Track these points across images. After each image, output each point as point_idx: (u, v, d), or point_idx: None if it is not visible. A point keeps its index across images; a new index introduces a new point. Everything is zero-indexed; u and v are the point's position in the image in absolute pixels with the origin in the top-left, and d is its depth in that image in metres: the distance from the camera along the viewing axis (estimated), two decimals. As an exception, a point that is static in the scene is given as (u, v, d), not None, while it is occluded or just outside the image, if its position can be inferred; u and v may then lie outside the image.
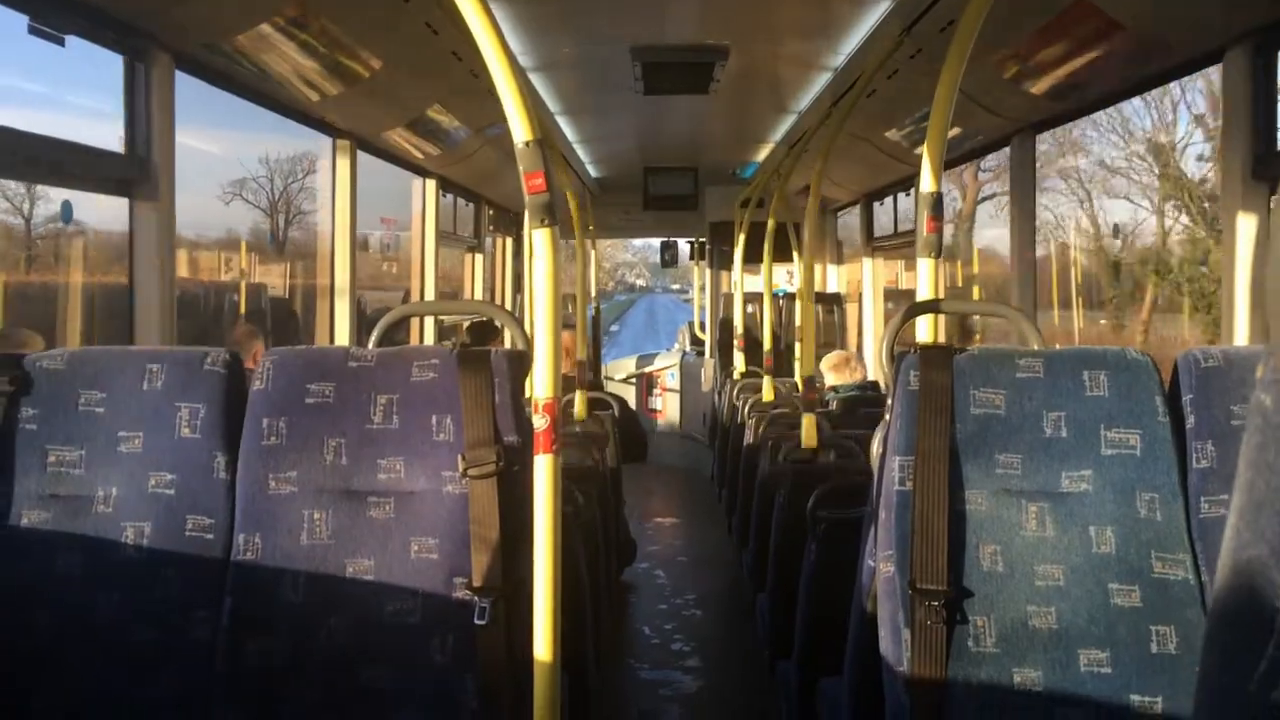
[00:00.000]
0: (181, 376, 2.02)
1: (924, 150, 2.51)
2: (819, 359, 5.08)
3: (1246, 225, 2.62)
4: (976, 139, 4.43)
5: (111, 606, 1.90)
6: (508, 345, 2.29)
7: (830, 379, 5.48)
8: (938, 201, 2.49)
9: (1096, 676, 1.82)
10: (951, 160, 4.84)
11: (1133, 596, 1.85)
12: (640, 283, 70.74)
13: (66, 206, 2.75)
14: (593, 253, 9.68)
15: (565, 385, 5.47)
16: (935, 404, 1.95)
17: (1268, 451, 0.42)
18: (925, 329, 2.60)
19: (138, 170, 2.68)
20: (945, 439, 1.93)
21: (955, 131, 4.30)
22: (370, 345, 2.17)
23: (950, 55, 2.45)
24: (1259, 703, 0.41)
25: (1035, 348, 2.18)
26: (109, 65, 2.63)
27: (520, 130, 1.78)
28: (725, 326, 8.34)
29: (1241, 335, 2.63)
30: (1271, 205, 2.60)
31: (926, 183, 2.51)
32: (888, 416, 2.04)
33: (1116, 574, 1.87)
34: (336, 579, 1.92)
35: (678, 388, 9.87)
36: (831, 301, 8.11)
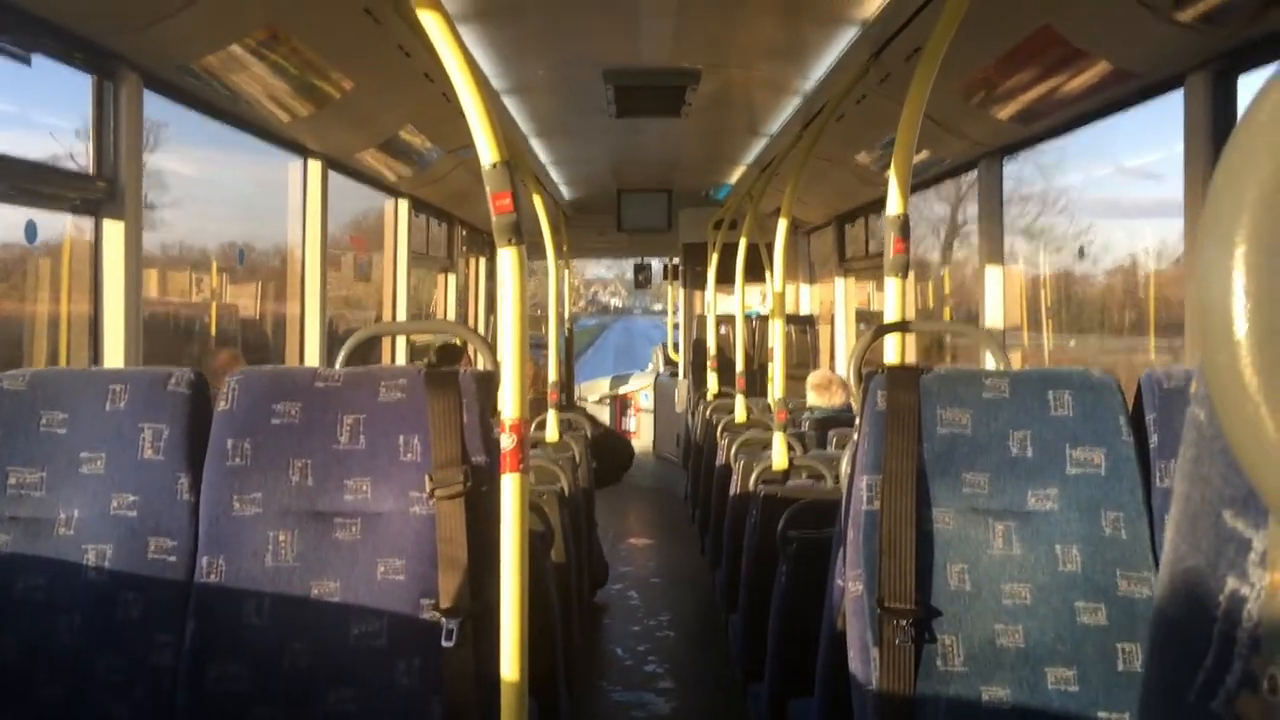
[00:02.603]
0: (145, 397, 2.00)
1: (890, 173, 2.54)
2: (791, 380, 5.11)
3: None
4: (944, 163, 4.48)
5: (73, 630, 1.88)
6: (478, 366, 2.29)
7: (811, 398, 5.49)
8: (904, 223, 2.52)
9: (1064, 694, 1.83)
10: (919, 183, 4.89)
11: (1099, 614, 1.87)
12: (616, 303, 62.56)
13: (31, 226, 2.72)
14: (566, 274, 9.70)
15: (539, 406, 5.47)
16: (902, 424, 1.96)
17: (1202, 465, 0.43)
18: (893, 349, 2.62)
19: (105, 190, 2.67)
20: (912, 459, 1.94)
21: (923, 155, 4.35)
22: (338, 365, 2.17)
23: (916, 80, 2.48)
24: (1199, 712, 0.41)
25: (1001, 368, 2.20)
26: (77, 85, 2.62)
27: (487, 152, 1.79)
28: (698, 347, 8.37)
29: None
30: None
31: (894, 205, 2.54)
32: (856, 436, 2.05)
33: (1082, 592, 1.88)
34: (301, 601, 1.90)
35: (651, 408, 9.88)
36: (804, 322, 8.15)
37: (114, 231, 2.70)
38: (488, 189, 1.78)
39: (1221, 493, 0.41)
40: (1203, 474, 0.42)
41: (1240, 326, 0.35)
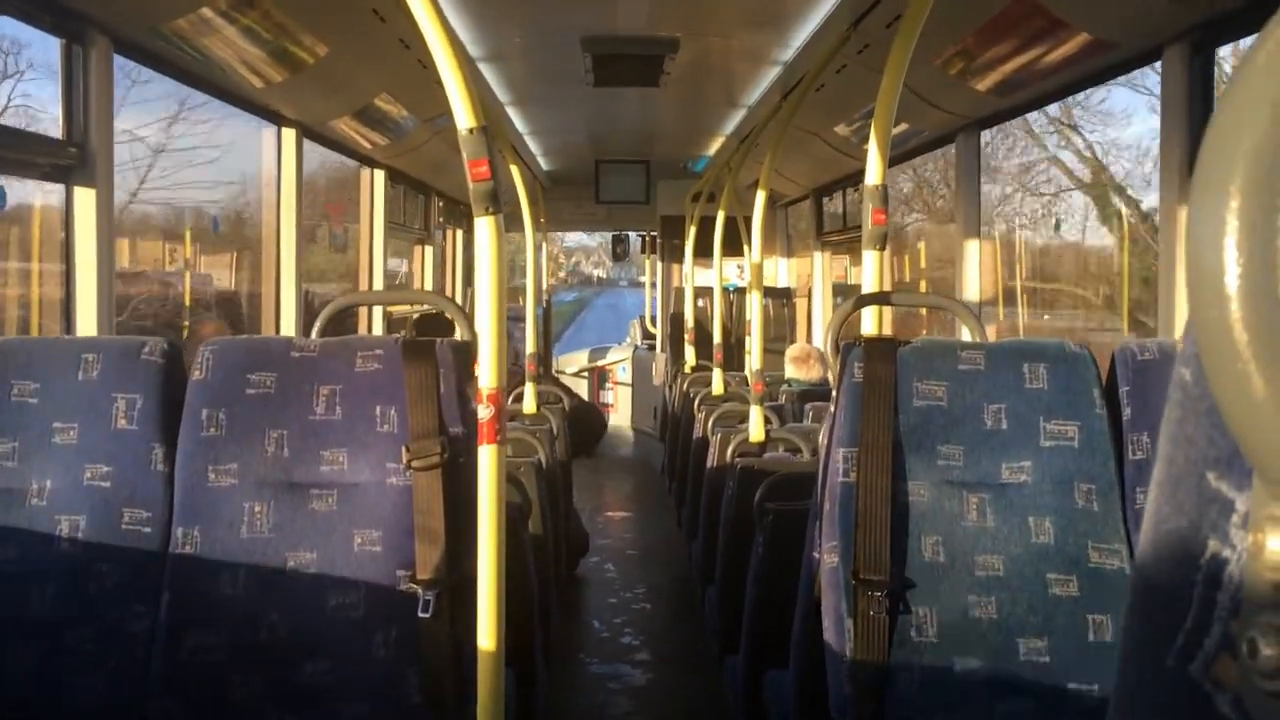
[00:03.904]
0: (118, 366, 1.98)
1: (870, 143, 2.53)
2: (769, 353, 5.11)
3: (1184, 220, 2.67)
4: (922, 135, 4.47)
5: (45, 601, 1.86)
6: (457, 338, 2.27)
7: (790, 370, 5.49)
8: (883, 193, 2.51)
9: (1035, 665, 1.85)
10: (898, 155, 4.88)
11: (1070, 586, 1.89)
12: (599, 273, 55.43)
13: (0, 193, 2.67)
14: (545, 245, 9.66)
15: (517, 378, 5.45)
16: (879, 396, 1.97)
17: (1187, 425, 0.42)
18: (871, 321, 2.62)
19: (75, 155, 2.62)
20: (888, 431, 1.95)
21: (902, 127, 4.34)
22: (313, 335, 2.15)
23: (894, 49, 2.47)
24: (1177, 676, 0.41)
25: (978, 340, 2.21)
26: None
27: (464, 117, 1.76)
28: (676, 320, 8.35)
29: (1180, 329, 2.68)
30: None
31: (873, 174, 2.53)
32: (833, 408, 2.06)
33: (1055, 564, 1.90)
34: (277, 572, 1.89)
35: (629, 381, 9.87)
36: (782, 295, 8.15)
37: (85, 198, 2.66)
38: (464, 155, 1.76)
39: (1206, 454, 0.41)
40: (1187, 435, 0.42)
41: (1232, 281, 0.34)
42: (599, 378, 10.20)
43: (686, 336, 7.53)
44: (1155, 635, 0.43)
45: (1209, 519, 0.40)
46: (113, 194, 2.73)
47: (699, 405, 5.64)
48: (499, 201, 1.81)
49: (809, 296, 7.81)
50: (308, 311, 4.27)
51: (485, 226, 1.82)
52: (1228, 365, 0.35)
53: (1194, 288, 0.36)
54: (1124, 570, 1.89)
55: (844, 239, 6.81)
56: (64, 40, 2.60)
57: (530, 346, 5.54)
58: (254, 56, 3.20)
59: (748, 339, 5.68)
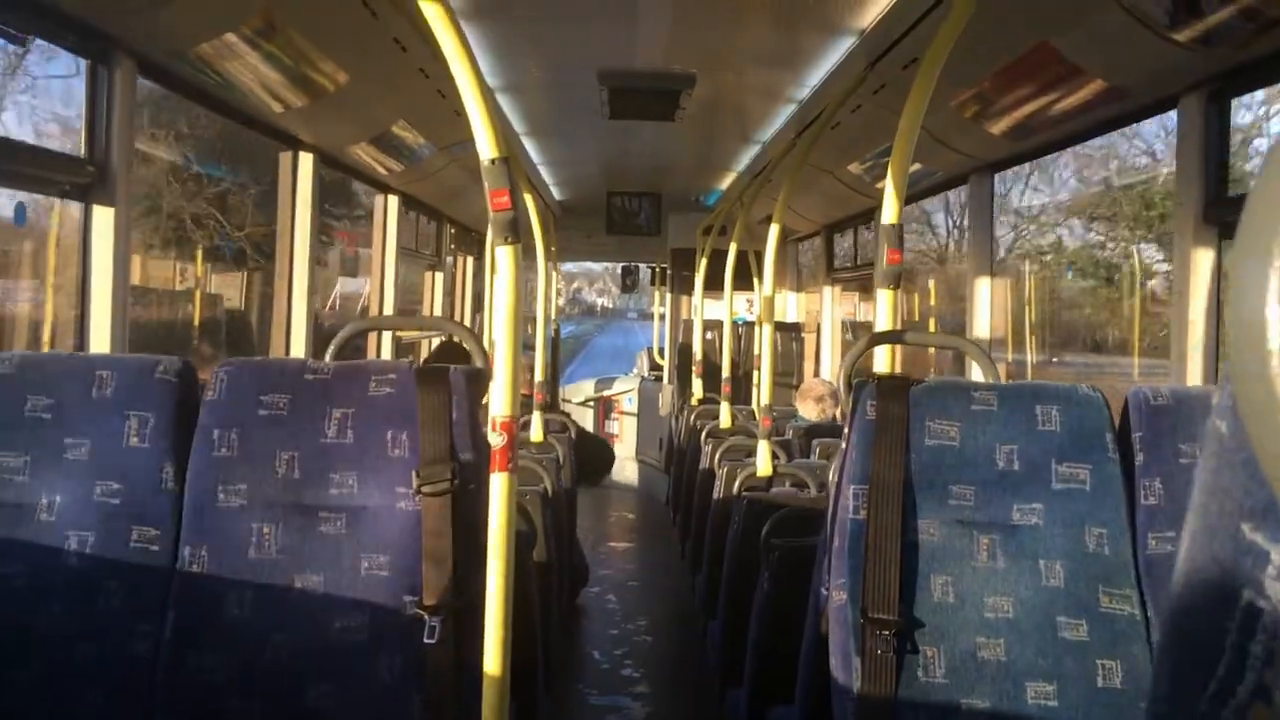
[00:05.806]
0: (132, 384, 1.99)
1: (885, 183, 2.54)
2: (776, 387, 5.10)
3: (1198, 267, 2.68)
4: (936, 175, 4.50)
5: (51, 618, 1.86)
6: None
7: (799, 407, 5.48)
8: (899, 233, 2.53)
9: (1043, 709, 1.83)
10: (911, 195, 4.91)
11: (1080, 630, 1.87)
12: (604, 303, 50.10)
13: (20, 209, 2.70)
14: (554, 274, 9.69)
15: (523, 406, 5.45)
16: (891, 434, 1.97)
17: (1222, 476, 0.43)
18: (883, 359, 2.63)
19: (96, 174, 2.65)
20: (900, 469, 1.95)
21: (915, 167, 4.36)
22: (327, 358, 2.16)
23: (913, 91, 2.49)
24: None
25: (990, 381, 2.21)
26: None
27: (486, 148, 1.78)
28: (684, 352, 8.36)
29: (1194, 375, 2.68)
30: (1223, 245, 2.66)
31: (888, 214, 2.54)
32: (844, 445, 2.06)
33: (1065, 608, 1.89)
34: (284, 594, 1.89)
35: (635, 412, 9.87)
36: (791, 330, 8.17)
37: (103, 217, 2.68)
38: (486, 186, 1.78)
39: (1241, 505, 0.41)
40: (1222, 486, 0.42)
41: (1274, 338, 0.35)
42: (605, 407, 10.20)
43: (694, 369, 7.53)
44: (1188, 683, 0.43)
45: (1243, 570, 0.41)
46: (129, 213, 2.75)
47: (706, 438, 5.63)
48: (519, 231, 1.82)
49: (817, 331, 7.82)
50: (315, 334, 4.28)
51: (505, 256, 1.83)
52: (1268, 419, 0.35)
53: (1235, 343, 0.36)
54: (1135, 616, 1.88)
55: (854, 275, 6.83)
56: (90, 61, 2.63)
57: (538, 375, 5.55)
58: (275, 82, 3.24)
59: (756, 373, 5.68)
